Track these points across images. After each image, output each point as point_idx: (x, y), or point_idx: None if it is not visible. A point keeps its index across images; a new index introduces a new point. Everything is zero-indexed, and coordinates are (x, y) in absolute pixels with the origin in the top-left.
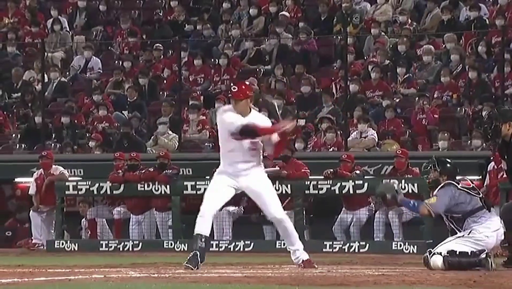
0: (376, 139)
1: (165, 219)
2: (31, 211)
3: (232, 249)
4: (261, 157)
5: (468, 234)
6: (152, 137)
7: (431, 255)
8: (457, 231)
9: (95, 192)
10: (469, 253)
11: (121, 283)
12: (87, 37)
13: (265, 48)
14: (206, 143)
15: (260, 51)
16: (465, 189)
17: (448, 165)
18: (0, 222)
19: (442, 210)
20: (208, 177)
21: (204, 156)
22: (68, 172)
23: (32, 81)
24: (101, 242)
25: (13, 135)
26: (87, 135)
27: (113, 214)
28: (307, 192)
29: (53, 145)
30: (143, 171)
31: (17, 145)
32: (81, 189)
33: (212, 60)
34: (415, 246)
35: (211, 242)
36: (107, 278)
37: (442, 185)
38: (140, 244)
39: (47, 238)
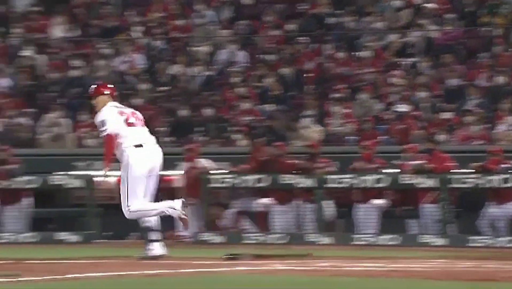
0: None
1: (308, 211)
2: None
3: (377, 243)
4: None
5: None
6: (295, 130)
7: None
8: None
9: (240, 184)
10: None
11: (266, 275)
12: (232, 31)
13: (410, 40)
14: (350, 137)
15: (405, 43)
16: None
17: None
18: None
19: None
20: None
21: (348, 149)
22: (213, 164)
23: (179, 75)
24: (245, 234)
25: (161, 129)
26: (232, 128)
27: (257, 206)
28: (452, 185)
29: (199, 138)
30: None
31: (163, 138)
32: (226, 182)
33: (356, 53)
34: None
35: (355, 235)
36: (251, 271)
37: None
38: (284, 236)
39: (193, 230)
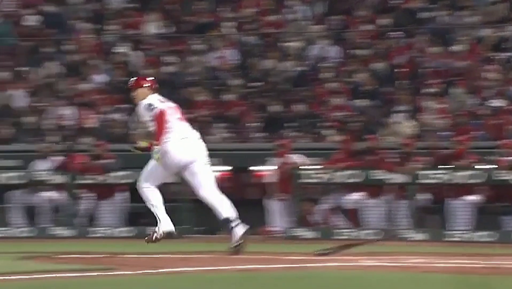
0: None
1: (401, 207)
2: (268, 198)
3: (472, 240)
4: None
5: None
6: (387, 125)
7: None
8: None
9: (331, 180)
10: None
11: (356, 271)
12: (324, 26)
13: (506, 34)
14: (443, 132)
15: (500, 37)
16: None
17: None
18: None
19: None
20: None
21: (443, 144)
22: (305, 160)
23: (270, 71)
24: (337, 230)
25: (252, 124)
26: (324, 124)
27: (349, 201)
28: None
29: (290, 133)
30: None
31: (254, 134)
32: (317, 177)
33: (449, 47)
34: None
35: (449, 232)
36: (340, 267)
37: None
38: (377, 232)
39: (284, 225)
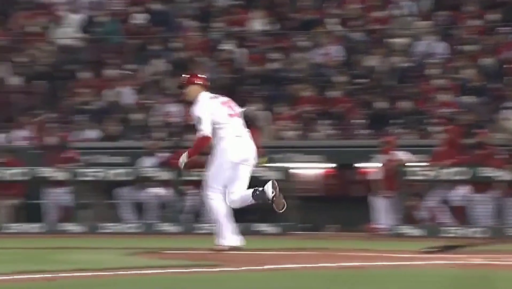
0: None
1: (509, 205)
2: (373, 195)
3: None
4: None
5: None
6: (496, 122)
7: None
8: None
9: (437, 177)
10: None
11: (463, 269)
12: (431, 22)
13: None
14: None
15: None
16: None
17: None
18: (344, 206)
19: None
20: None
21: None
22: (411, 157)
23: (376, 67)
24: (444, 227)
25: (357, 121)
26: (430, 120)
27: (455, 198)
28: None
29: (396, 130)
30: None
31: (359, 131)
32: (423, 174)
33: None
34: None
35: None
36: (447, 265)
37: None
38: (485, 230)
39: (389, 223)
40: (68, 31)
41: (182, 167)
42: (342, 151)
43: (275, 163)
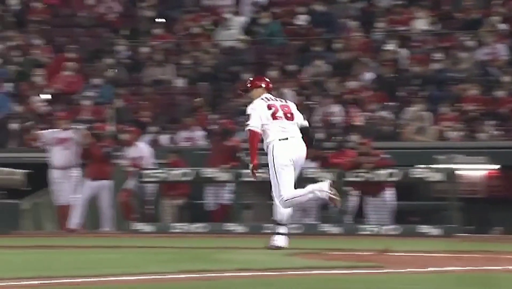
0: None
1: None
2: None
3: None
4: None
5: None
6: None
7: None
8: None
9: None
10: None
11: None
12: None
13: None
14: None
15: None
16: None
17: None
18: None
19: None
20: None
21: None
22: None
23: None
24: None
25: None
26: None
27: None
28: None
29: None
30: None
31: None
32: None
33: None
34: None
35: None
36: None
37: None
38: None
39: None
40: (232, 33)
41: (251, 171)
42: (507, 152)
43: (438, 164)
